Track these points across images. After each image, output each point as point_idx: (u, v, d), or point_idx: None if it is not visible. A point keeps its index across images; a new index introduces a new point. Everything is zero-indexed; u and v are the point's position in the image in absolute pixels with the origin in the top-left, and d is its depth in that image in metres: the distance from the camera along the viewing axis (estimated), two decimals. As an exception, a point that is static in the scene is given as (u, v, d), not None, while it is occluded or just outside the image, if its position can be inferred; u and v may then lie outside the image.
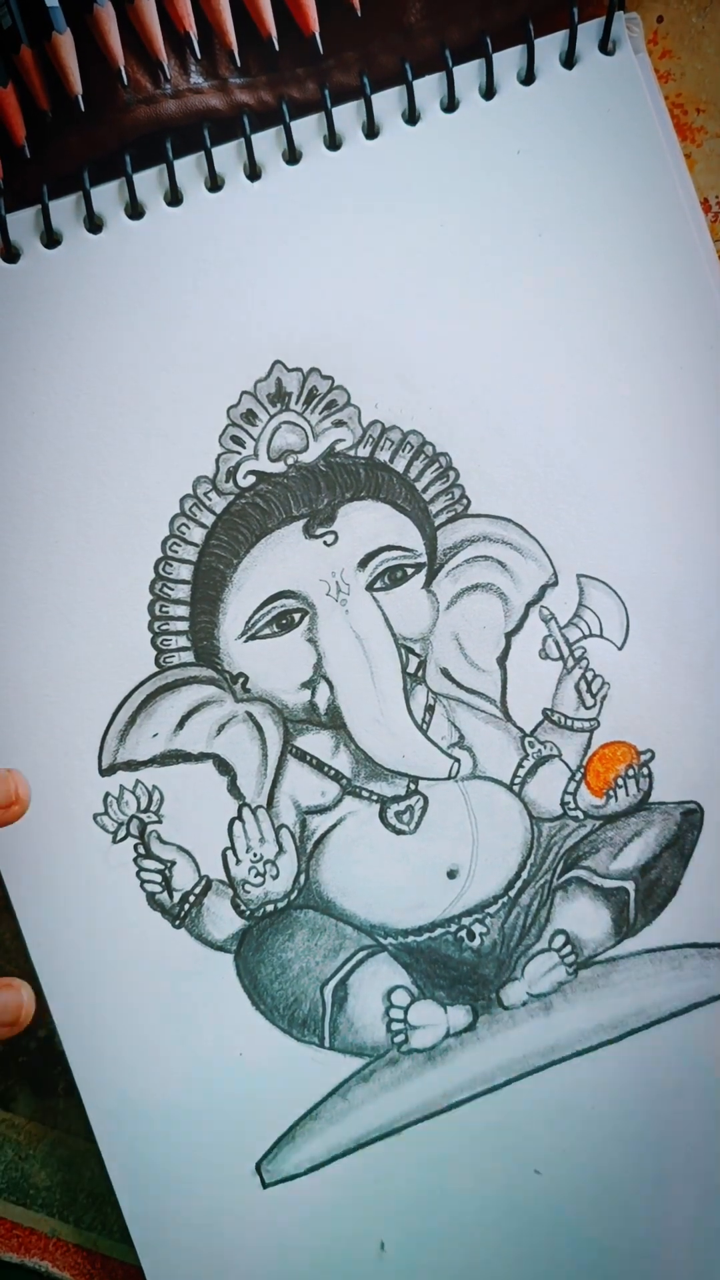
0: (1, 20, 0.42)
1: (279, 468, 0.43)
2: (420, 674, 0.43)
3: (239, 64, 0.43)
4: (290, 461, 0.43)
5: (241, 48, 0.43)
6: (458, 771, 0.43)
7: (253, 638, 0.43)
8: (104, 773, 0.42)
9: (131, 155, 0.42)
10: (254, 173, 0.42)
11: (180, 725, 0.43)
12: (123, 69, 0.42)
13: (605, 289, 0.43)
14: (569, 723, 0.43)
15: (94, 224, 0.42)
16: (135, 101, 0.42)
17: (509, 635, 0.43)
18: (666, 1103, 0.43)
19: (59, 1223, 0.45)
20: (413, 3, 0.43)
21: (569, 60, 0.43)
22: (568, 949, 0.43)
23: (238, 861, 0.43)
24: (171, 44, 0.43)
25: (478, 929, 0.43)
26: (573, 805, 0.43)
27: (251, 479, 0.42)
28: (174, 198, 0.42)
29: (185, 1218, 0.42)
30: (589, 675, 0.43)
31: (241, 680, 0.43)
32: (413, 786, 0.43)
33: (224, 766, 0.43)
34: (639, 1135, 0.43)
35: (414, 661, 0.43)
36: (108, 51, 0.42)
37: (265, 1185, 0.43)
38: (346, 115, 0.42)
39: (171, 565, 0.42)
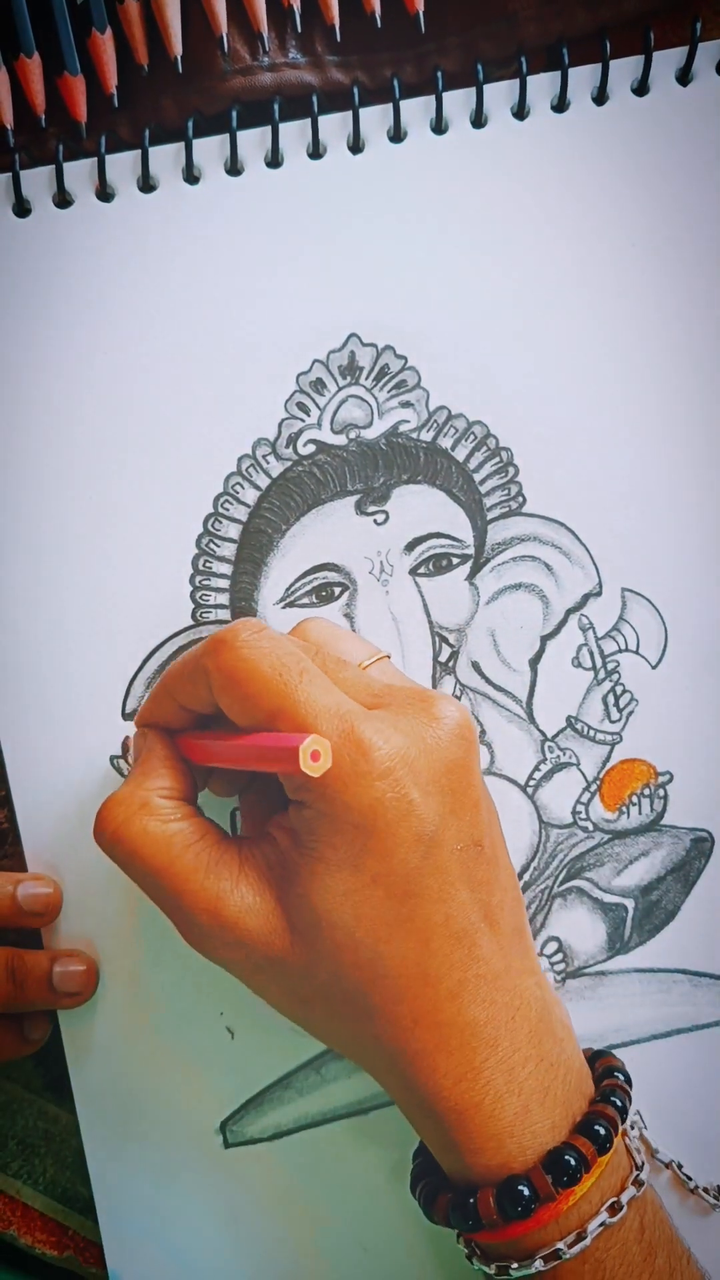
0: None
1: (340, 440, 0.43)
2: (451, 664, 0.43)
3: (338, 40, 0.43)
4: (352, 436, 0.43)
5: (340, 26, 0.43)
6: (475, 765, 0.43)
7: (291, 605, 0.43)
8: (127, 717, 0.42)
9: (238, 113, 0.42)
10: (357, 146, 0.42)
11: (207, 681, 0.43)
12: (224, 37, 0.42)
13: (694, 309, 0.43)
14: (592, 733, 0.43)
15: (192, 175, 0.42)
16: (232, 71, 0.42)
17: (545, 638, 0.43)
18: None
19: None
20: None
21: (685, 77, 0.42)
22: (559, 956, 0.43)
23: (245, 823, 0.43)
24: (272, 17, 0.43)
25: (473, 924, 0.43)
26: (584, 815, 0.43)
27: (311, 448, 0.43)
28: (274, 159, 0.42)
29: (144, 1165, 0.43)
30: (618, 689, 0.43)
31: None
32: (428, 774, 0.43)
33: (245, 728, 0.43)
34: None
35: (446, 651, 0.43)
36: (212, 18, 0.42)
37: (227, 1145, 0.43)
38: (454, 101, 0.42)
39: (221, 523, 0.43)
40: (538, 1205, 0.35)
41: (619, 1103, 0.37)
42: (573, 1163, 0.35)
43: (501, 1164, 0.36)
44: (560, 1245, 0.35)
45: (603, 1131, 0.36)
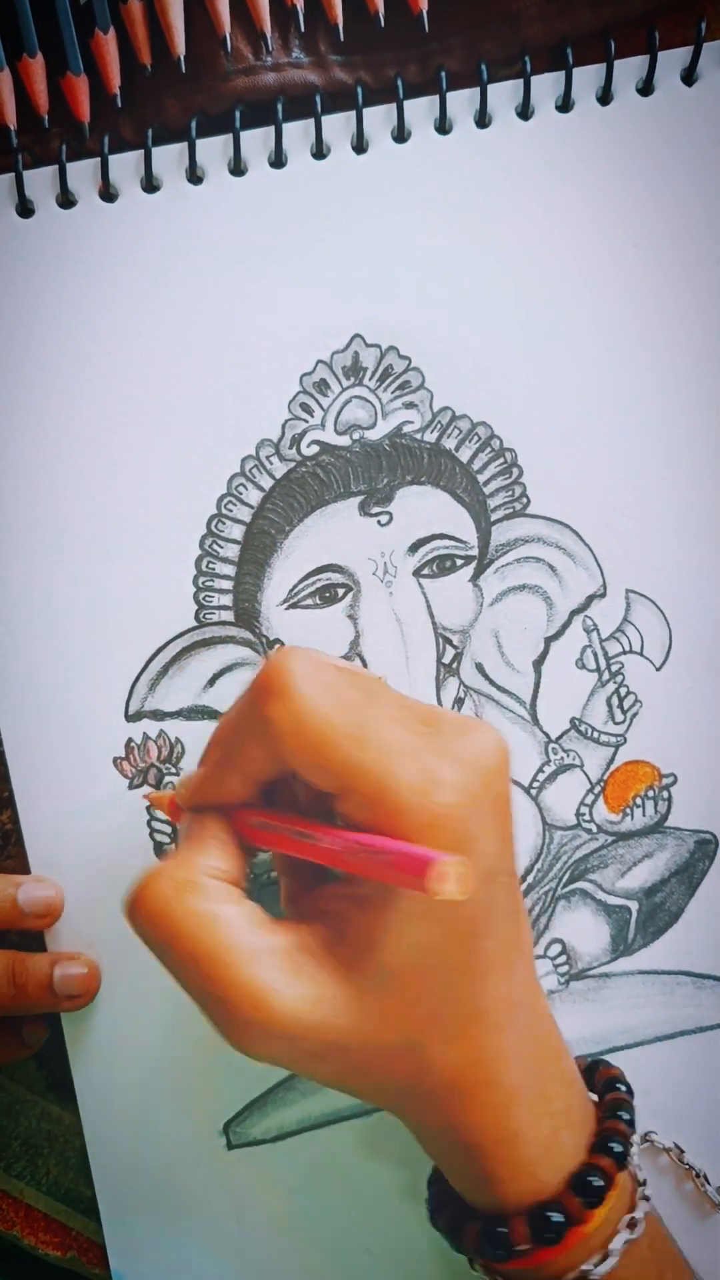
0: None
1: (344, 441, 0.43)
2: (455, 666, 0.43)
3: (342, 40, 0.43)
4: (356, 436, 0.43)
5: (343, 25, 0.43)
6: (479, 767, 0.43)
7: (294, 606, 0.43)
8: (129, 718, 0.42)
9: (241, 113, 0.42)
10: (360, 146, 0.42)
11: (211, 682, 0.43)
12: (228, 37, 0.42)
13: (700, 310, 0.43)
14: (596, 735, 0.43)
15: (195, 175, 0.42)
16: (235, 71, 0.42)
17: (549, 640, 0.43)
18: (638, 1125, 0.43)
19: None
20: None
21: (690, 77, 0.42)
22: (562, 958, 0.43)
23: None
24: (275, 17, 0.42)
25: (476, 926, 0.43)
26: (588, 817, 0.43)
27: (315, 449, 0.43)
28: (278, 160, 0.42)
29: (147, 1166, 0.43)
30: (622, 691, 0.43)
31: (277, 646, 0.43)
32: (432, 776, 0.43)
33: (248, 729, 0.43)
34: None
35: (450, 653, 0.43)
36: (215, 17, 0.42)
37: (230, 1146, 0.43)
38: (458, 101, 0.42)
39: (224, 524, 0.43)
40: (568, 1229, 0.35)
41: (626, 1116, 0.37)
42: (598, 1183, 0.35)
43: (533, 1190, 0.35)
44: (587, 1266, 0.35)
45: (619, 1148, 0.36)
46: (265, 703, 0.33)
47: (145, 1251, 0.43)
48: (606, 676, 0.43)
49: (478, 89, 0.42)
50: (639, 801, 0.43)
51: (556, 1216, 0.35)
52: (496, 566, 0.43)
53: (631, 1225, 0.36)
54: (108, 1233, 0.43)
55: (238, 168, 0.42)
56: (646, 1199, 0.37)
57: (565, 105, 0.42)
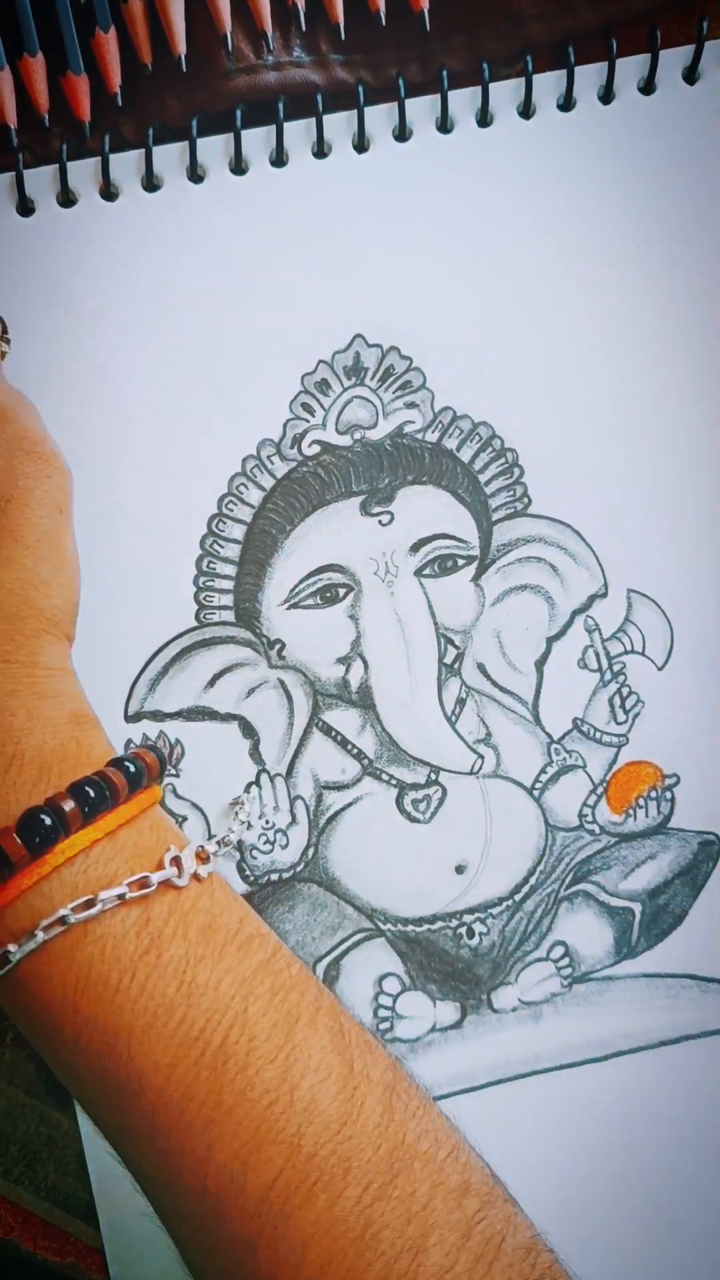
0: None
1: (345, 441, 0.42)
2: (456, 666, 0.43)
3: (343, 39, 0.43)
4: (357, 436, 0.43)
5: (344, 24, 0.43)
6: (480, 768, 0.43)
7: (295, 606, 0.43)
8: (129, 719, 0.42)
9: (242, 112, 0.42)
10: (362, 145, 0.42)
11: (211, 683, 0.43)
12: (229, 36, 0.42)
13: (702, 309, 0.43)
14: (598, 735, 0.43)
15: (196, 174, 0.42)
16: (236, 70, 0.42)
17: (550, 640, 0.43)
18: (641, 1131, 0.43)
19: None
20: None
21: (691, 75, 0.42)
22: (565, 961, 0.43)
23: (249, 826, 0.43)
24: (276, 16, 0.42)
25: (478, 928, 0.43)
26: (590, 818, 0.43)
27: (316, 448, 0.42)
28: (279, 159, 0.42)
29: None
30: (625, 691, 0.43)
31: (278, 647, 0.43)
32: (433, 776, 0.43)
33: (249, 730, 0.43)
34: (606, 1159, 0.43)
35: (452, 653, 0.43)
36: (216, 16, 0.42)
37: (230, 1151, 0.43)
38: (459, 100, 0.42)
39: (225, 524, 0.42)
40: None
41: (132, 768, 0.33)
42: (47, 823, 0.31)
43: None
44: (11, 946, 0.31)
45: (94, 791, 0.32)
46: None
47: (144, 1257, 0.43)
48: (609, 676, 0.43)
49: (479, 88, 0.42)
50: (641, 802, 0.43)
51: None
52: (498, 566, 0.43)
53: (92, 905, 0.30)
54: (106, 1238, 0.43)
55: (239, 167, 0.42)
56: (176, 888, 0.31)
57: (567, 104, 0.42)
